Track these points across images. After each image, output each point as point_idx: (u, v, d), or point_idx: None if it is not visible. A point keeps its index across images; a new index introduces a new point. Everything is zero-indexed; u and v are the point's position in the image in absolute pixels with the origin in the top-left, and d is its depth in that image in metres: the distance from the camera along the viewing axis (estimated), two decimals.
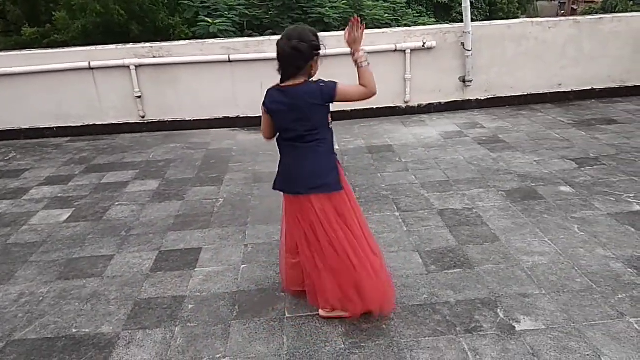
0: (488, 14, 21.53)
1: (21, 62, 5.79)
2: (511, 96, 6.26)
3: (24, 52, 6.09)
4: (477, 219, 3.48)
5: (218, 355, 2.35)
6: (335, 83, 2.32)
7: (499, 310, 2.54)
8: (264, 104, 2.39)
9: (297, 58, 2.24)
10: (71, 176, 4.75)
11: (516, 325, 2.43)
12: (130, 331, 2.55)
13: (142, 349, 2.42)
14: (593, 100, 6.21)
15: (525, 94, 6.26)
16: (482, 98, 6.26)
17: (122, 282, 2.98)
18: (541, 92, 6.27)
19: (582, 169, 4.21)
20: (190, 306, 2.72)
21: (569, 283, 2.71)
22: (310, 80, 2.32)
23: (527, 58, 6.12)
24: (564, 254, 2.98)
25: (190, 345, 2.43)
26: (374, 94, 2.36)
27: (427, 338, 2.39)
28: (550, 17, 7.44)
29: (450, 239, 3.24)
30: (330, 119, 2.43)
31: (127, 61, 5.76)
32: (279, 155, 2.50)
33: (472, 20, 6.10)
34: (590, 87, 6.30)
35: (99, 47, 5.94)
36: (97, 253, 3.33)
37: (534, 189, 3.90)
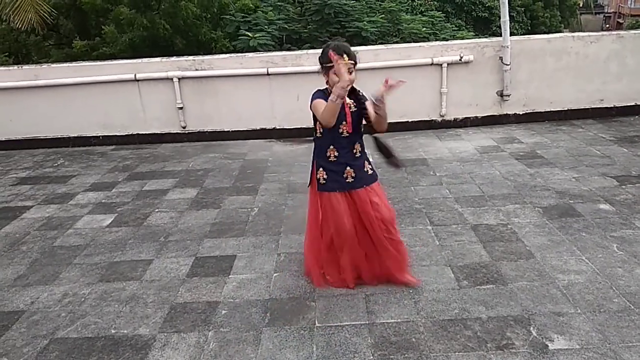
0: (529, 28, 21.16)
1: (71, 73, 6.10)
2: (550, 111, 6.15)
3: (74, 64, 6.41)
4: (512, 235, 3.43)
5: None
6: (315, 96, 2.65)
7: (531, 328, 2.50)
8: None
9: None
10: (115, 183, 4.96)
11: (549, 344, 2.39)
12: (165, 334, 2.64)
13: (177, 352, 2.50)
14: (636, 117, 6.04)
15: (565, 109, 6.15)
16: (521, 113, 6.17)
17: (160, 286, 3.09)
18: (582, 107, 6.14)
19: (623, 186, 4.09)
20: (223, 312, 2.79)
21: (606, 303, 2.65)
22: (324, 88, 2.70)
23: (567, 73, 6.02)
24: (601, 273, 2.91)
25: (222, 349, 2.50)
26: (328, 125, 2.58)
27: (457, 353, 2.37)
28: (594, 30, 7.29)
29: (484, 255, 3.21)
30: (317, 128, 2.73)
31: (170, 73, 5.99)
32: None
33: (513, 34, 6.05)
34: (633, 103, 6.13)
35: (144, 59, 6.20)
36: (137, 257, 3.46)
37: (572, 206, 3.81)
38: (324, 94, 2.64)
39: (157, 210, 4.23)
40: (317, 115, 2.61)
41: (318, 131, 2.73)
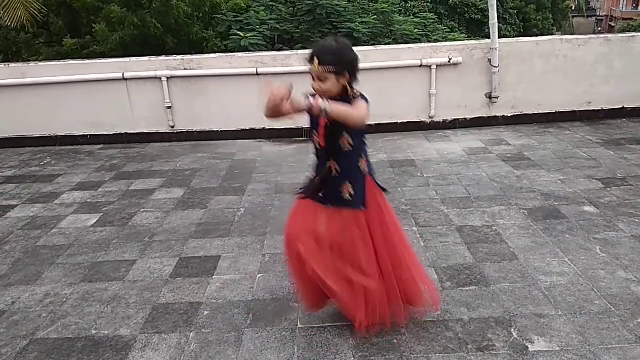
0: (522, 30, 21.28)
1: (59, 71, 6.05)
2: (539, 113, 6.18)
3: (62, 62, 6.37)
4: (497, 237, 3.44)
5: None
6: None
7: (512, 330, 2.51)
8: None
9: None
10: (101, 182, 4.92)
11: (529, 346, 2.39)
12: (147, 335, 2.62)
13: (157, 353, 2.48)
14: (624, 120, 6.08)
15: (554, 111, 6.18)
16: (509, 115, 6.20)
17: (143, 286, 3.07)
18: (570, 110, 6.18)
19: (608, 189, 4.12)
20: (205, 312, 2.78)
21: (587, 305, 2.66)
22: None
23: (555, 75, 6.05)
24: (583, 275, 2.93)
25: (203, 350, 2.48)
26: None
27: (437, 355, 2.38)
28: (586, 34, 7.33)
29: (468, 256, 3.22)
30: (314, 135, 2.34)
31: (159, 73, 5.96)
32: None
33: (505, 36, 6.12)
34: (621, 106, 6.17)
35: (133, 58, 6.17)
36: (121, 257, 3.44)
37: (557, 208, 3.83)
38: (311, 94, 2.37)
39: (142, 210, 4.21)
40: None
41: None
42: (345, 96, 2.22)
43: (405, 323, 2.56)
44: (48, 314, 2.83)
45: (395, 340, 2.48)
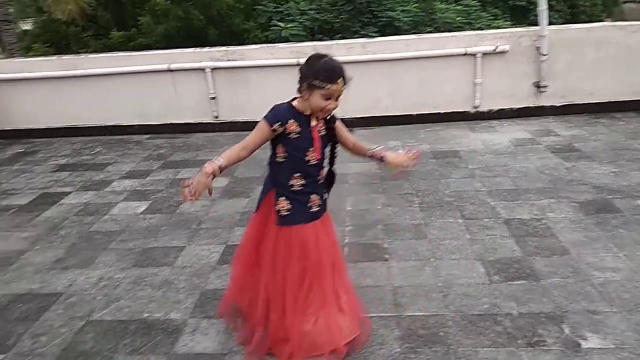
0: (569, 17, 20.45)
1: (108, 63, 6.25)
2: (589, 103, 5.95)
3: (111, 54, 6.57)
4: (546, 231, 3.35)
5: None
6: (271, 115, 2.17)
7: (564, 326, 2.44)
8: None
9: (299, 75, 2.18)
10: (149, 171, 5.07)
11: (582, 342, 2.33)
12: (196, 319, 2.69)
13: (207, 337, 2.55)
14: None
15: (605, 101, 5.93)
16: (558, 105, 5.99)
17: (191, 272, 3.15)
18: (623, 99, 5.91)
19: None
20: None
21: None
22: (289, 101, 2.23)
23: (608, 63, 5.80)
24: (639, 272, 2.82)
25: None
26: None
27: (485, 349, 2.34)
28: (638, 20, 6.98)
29: (516, 250, 3.15)
30: (278, 151, 2.24)
31: (203, 64, 6.06)
32: None
33: (551, 23, 5.87)
34: None
35: (178, 50, 6.29)
36: (170, 244, 3.54)
37: (610, 201, 3.69)
38: (293, 114, 2.17)
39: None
40: (248, 137, 2.19)
41: (279, 155, 2.23)
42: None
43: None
44: (102, 297, 2.95)
45: (441, 333, 2.46)
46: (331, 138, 2.28)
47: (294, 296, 2.31)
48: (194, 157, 5.42)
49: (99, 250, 3.50)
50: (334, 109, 2.17)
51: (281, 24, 8.68)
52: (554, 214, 3.57)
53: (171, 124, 6.38)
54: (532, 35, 5.79)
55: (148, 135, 6.33)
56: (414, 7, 10.28)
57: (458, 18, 11.05)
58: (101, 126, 6.46)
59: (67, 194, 4.59)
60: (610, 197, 3.76)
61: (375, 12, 9.62)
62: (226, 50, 6.10)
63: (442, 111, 6.06)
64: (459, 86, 5.99)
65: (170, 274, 3.14)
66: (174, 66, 6.10)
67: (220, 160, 2.13)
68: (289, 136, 2.17)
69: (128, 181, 4.82)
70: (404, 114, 6.00)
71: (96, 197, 4.46)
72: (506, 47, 5.77)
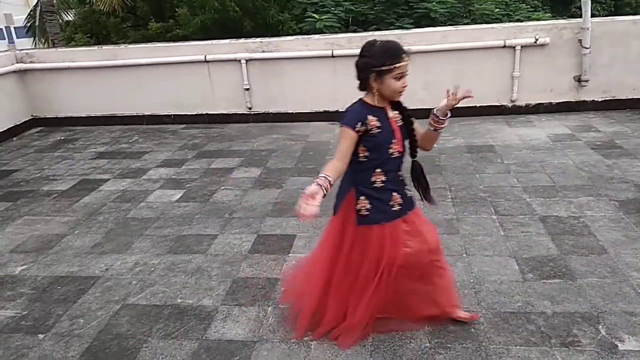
0: (612, 9, 19.66)
1: (146, 54, 6.37)
2: (633, 99, 5.73)
3: (149, 45, 6.70)
4: (584, 229, 3.26)
5: (305, 339, 2.45)
6: (349, 116, 2.14)
7: (600, 327, 2.38)
8: None
9: (357, 72, 2.16)
10: (184, 160, 5.17)
11: (619, 344, 2.26)
12: (227, 306, 2.74)
13: (237, 324, 2.59)
14: None
15: None
16: (599, 99, 5.80)
17: (223, 260, 3.21)
18: None
19: None
20: (282, 288, 2.86)
21: None
22: (359, 100, 2.20)
23: None
24: None
25: (280, 325, 2.56)
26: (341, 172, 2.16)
27: (518, 347, 2.31)
28: None
29: (552, 248, 3.07)
30: (360, 151, 2.18)
31: (238, 55, 6.11)
32: None
33: (594, 15, 5.67)
34: None
35: (214, 41, 6.36)
36: (203, 232, 3.60)
37: None
38: (369, 110, 2.15)
39: (222, 187, 4.38)
40: (336, 148, 2.15)
41: (361, 155, 2.18)
42: None
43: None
44: (138, 282, 3.03)
45: (472, 330, 2.43)
46: (409, 127, 2.24)
47: (362, 293, 2.33)
48: (227, 147, 5.49)
49: (135, 236, 3.60)
50: (406, 87, 2.14)
51: (316, 15, 8.65)
52: (593, 212, 3.47)
53: (206, 114, 6.47)
54: (574, 28, 5.61)
55: (183, 125, 6.45)
56: None
57: (496, 9, 10.77)
58: (139, 115, 6.61)
59: (105, 180, 4.73)
60: None
61: (410, 4, 9.48)
62: (261, 42, 6.13)
63: (478, 104, 5.94)
64: (496, 79, 5.86)
65: (203, 261, 3.21)
66: (209, 57, 6.18)
67: (329, 176, 2.07)
68: (371, 132, 2.13)
69: (164, 169, 4.93)
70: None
71: (133, 185, 4.58)
72: (547, 40, 5.61)
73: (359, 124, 2.11)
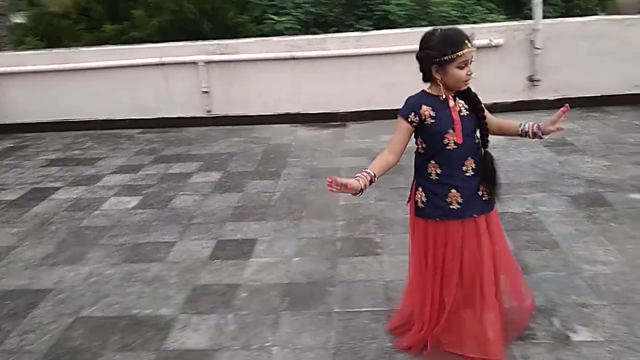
0: (564, 11, 20.39)
1: (100, 57, 6.20)
2: (583, 97, 5.94)
3: (103, 47, 6.52)
4: (538, 224, 3.35)
5: (267, 344, 2.43)
6: (405, 108, 2.10)
7: (554, 319, 2.44)
8: None
9: (419, 64, 2.09)
10: (141, 166, 5.04)
11: (572, 335, 2.33)
12: (186, 315, 2.68)
13: (197, 333, 2.54)
14: None
15: (598, 95, 5.93)
16: (551, 98, 5.99)
17: (182, 267, 3.14)
18: (616, 93, 5.91)
19: None
20: (243, 294, 2.82)
21: (633, 295, 2.57)
22: (421, 91, 2.14)
23: (602, 57, 5.80)
24: (630, 265, 2.82)
25: (241, 332, 2.52)
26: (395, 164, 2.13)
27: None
28: (631, 14, 6.99)
29: (508, 244, 3.13)
30: (419, 142, 2.16)
31: (196, 57, 6.02)
32: None
33: (546, 17, 5.86)
34: None
35: (171, 43, 6.26)
36: (161, 239, 3.52)
37: (602, 195, 3.70)
38: (425, 99, 2.08)
39: (181, 193, 4.29)
40: (392, 139, 2.12)
41: (420, 147, 2.16)
42: None
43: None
44: (92, 293, 2.93)
45: None
46: (478, 116, 2.11)
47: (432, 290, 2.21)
48: (186, 152, 5.39)
49: (89, 246, 3.48)
50: (472, 74, 2.04)
51: (275, 17, 8.62)
52: (546, 207, 3.57)
53: (163, 118, 6.34)
54: (527, 29, 5.79)
55: (140, 130, 6.29)
56: (409, 1, 10.22)
57: (453, 12, 10.99)
58: (92, 120, 6.42)
59: (57, 189, 4.56)
60: (602, 190, 3.77)
61: (370, 6, 9.56)
62: (219, 44, 6.06)
63: None
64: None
65: (160, 270, 3.13)
66: (166, 60, 6.07)
67: (371, 172, 2.03)
68: (426, 122, 2.06)
69: (119, 176, 4.79)
70: (398, 108, 5.97)
71: (87, 192, 4.43)
72: (500, 41, 5.76)
73: (412, 114, 2.07)
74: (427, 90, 2.12)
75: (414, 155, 2.21)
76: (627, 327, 2.35)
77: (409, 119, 2.08)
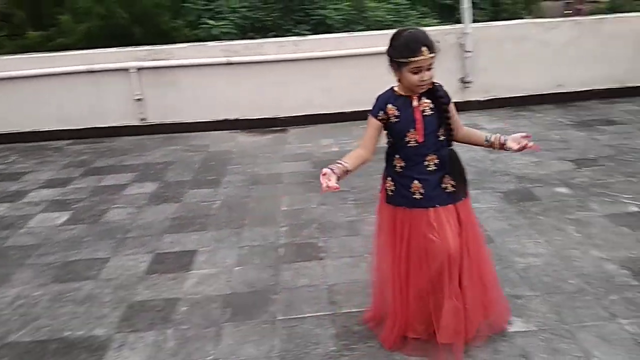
0: (492, 15, 21.35)
1: (23, 65, 5.86)
2: (511, 97, 6.23)
3: (26, 55, 6.16)
4: None
5: (209, 358, 2.36)
6: (376, 107, 2.18)
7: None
8: None
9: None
10: (70, 179, 4.79)
11: (507, 327, 2.42)
12: (122, 333, 2.56)
13: (134, 352, 2.43)
14: (593, 101, 6.17)
15: (526, 95, 6.24)
16: (483, 99, 6.24)
17: (117, 284, 3.00)
18: (541, 93, 6.24)
19: (580, 170, 4.19)
20: (183, 308, 2.73)
21: (562, 284, 2.70)
22: (390, 88, 2.22)
23: (527, 59, 6.10)
24: (558, 256, 2.97)
25: (181, 347, 2.44)
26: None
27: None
28: (554, 17, 7.41)
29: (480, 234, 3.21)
30: (387, 138, 2.26)
31: (126, 64, 5.80)
32: None
33: (477, 21, 6.10)
34: (590, 88, 6.26)
35: (99, 50, 5.99)
36: (93, 256, 3.35)
37: (531, 190, 3.88)
38: (392, 98, 2.17)
39: (114, 206, 4.11)
40: (364, 135, 2.22)
41: (388, 141, 2.26)
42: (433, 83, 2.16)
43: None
44: (19, 317, 2.74)
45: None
46: (442, 116, 2.18)
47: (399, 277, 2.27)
48: (119, 162, 5.18)
49: (15, 267, 3.26)
50: (429, 80, 2.09)
51: (211, 21, 8.48)
52: (480, 204, 3.70)
53: (94, 128, 6.05)
54: (458, 33, 5.99)
55: (69, 141, 5.97)
56: (346, 5, 10.35)
57: (388, 16, 11.24)
58: (17, 132, 6.03)
59: None
60: (530, 186, 3.96)
61: (307, 10, 9.61)
62: (151, 49, 5.88)
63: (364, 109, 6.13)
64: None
65: (94, 288, 2.97)
66: (95, 67, 5.81)
67: (346, 163, 2.10)
68: (391, 120, 2.16)
69: (46, 191, 4.53)
70: (337, 111, 6.01)
71: (11, 210, 4.16)
72: None
73: (381, 112, 2.16)
74: (395, 89, 2.20)
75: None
76: (557, 315, 2.47)
77: (378, 117, 2.17)
